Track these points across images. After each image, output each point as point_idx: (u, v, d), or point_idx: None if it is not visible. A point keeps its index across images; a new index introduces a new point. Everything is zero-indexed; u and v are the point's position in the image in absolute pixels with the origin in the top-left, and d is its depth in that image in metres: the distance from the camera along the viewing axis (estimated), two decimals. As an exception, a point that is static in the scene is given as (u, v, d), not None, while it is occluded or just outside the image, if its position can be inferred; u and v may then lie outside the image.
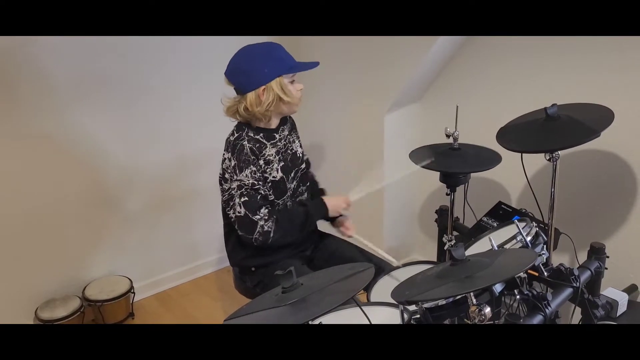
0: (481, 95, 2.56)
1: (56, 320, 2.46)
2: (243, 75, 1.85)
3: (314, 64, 1.92)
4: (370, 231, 2.99)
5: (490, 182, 2.60)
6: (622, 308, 1.89)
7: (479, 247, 1.90)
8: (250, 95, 1.84)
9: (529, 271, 1.68)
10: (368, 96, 2.79)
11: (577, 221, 2.28)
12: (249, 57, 1.86)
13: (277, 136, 1.98)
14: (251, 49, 1.88)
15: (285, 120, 2.06)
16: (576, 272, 1.66)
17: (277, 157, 1.96)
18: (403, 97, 2.72)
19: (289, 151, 2.04)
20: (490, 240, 1.62)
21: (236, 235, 1.99)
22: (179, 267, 3.11)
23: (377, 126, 2.76)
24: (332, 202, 2.04)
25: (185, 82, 2.85)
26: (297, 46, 2.87)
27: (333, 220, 2.18)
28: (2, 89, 2.32)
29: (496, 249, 1.62)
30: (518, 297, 1.57)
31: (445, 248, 2.22)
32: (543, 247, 1.72)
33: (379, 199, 2.90)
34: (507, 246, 1.71)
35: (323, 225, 2.18)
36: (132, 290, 2.73)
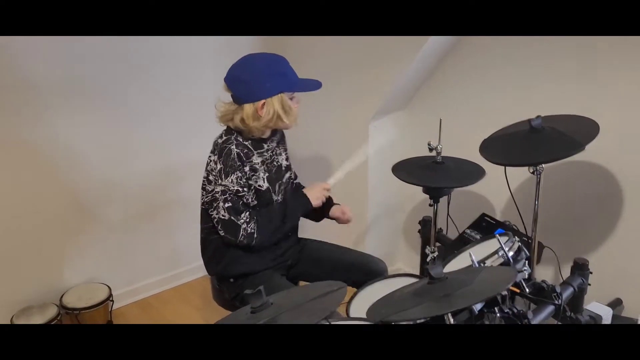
0: (466, 105, 2.53)
1: (32, 329, 2.40)
2: (244, 85, 1.81)
3: (317, 85, 1.88)
4: (354, 238, 2.96)
5: (474, 194, 2.57)
6: (606, 323, 1.87)
7: (461, 261, 1.86)
8: (248, 108, 1.80)
9: (511, 287, 1.65)
10: (352, 103, 2.76)
11: (562, 234, 2.26)
12: (252, 68, 1.82)
13: (265, 146, 1.94)
14: (255, 59, 1.84)
15: (276, 131, 2.03)
16: (558, 290, 1.64)
17: (263, 167, 1.92)
18: (388, 105, 2.69)
19: (275, 163, 2.00)
20: (471, 255, 1.58)
21: (214, 242, 1.97)
22: (160, 274, 3.06)
23: (361, 133, 2.73)
24: (312, 191, 2.01)
25: (170, 91, 2.80)
26: (284, 52, 2.84)
27: (327, 213, 2.15)
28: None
29: (477, 265, 1.59)
30: (498, 315, 1.54)
31: (428, 260, 2.20)
32: (525, 262, 1.68)
33: (363, 206, 2.87)
34: (488, 261, 1.68)
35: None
36: (110, 298, 2.68)
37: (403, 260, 3.10)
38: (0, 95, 2.32)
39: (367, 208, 2.86)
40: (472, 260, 1.58)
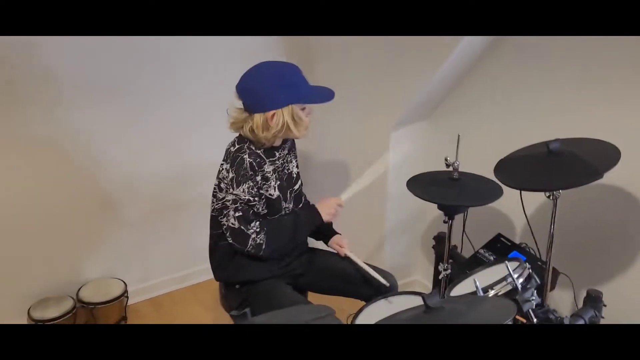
0: (490, 120, 2.45)
1: (47, 321, 2.45)
2: (254, 95, 1.78)
3: (329, 95, 1.84)
4: (371, 249, 2.92)
5: (491, 212, 2.48)
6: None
7: (470, 283, 1.80)
8: (258, 117, 1.77)
9: (517, 317, 1.59)
10: (374, 112, 2.71)
11: (579, 260, 2.16)
12: (263, 78, 1.79)
13: (277, 154, 1.93)
14: (266, 69, 1.81)
15: (287, 139, 2.00)
16: (566, 322, 1.57)
17: (274, 176, 1.90)
18: (411, 114, 2.63)
19: (286, 171, 1.98)
20: (475, 282, 1.53)
21: (222, 249, 1.97)
22: (174, 273, 3.08)
23: (382, 143, 2.67)
24: (323, 206, 1.97)
25: (192, 88, 2.79)
26: (305, 55, 2.81)
27: (327, 240, 2.15)
28: (2, 90, 2.31)
29: (481, 292, 1.54)
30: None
31: (440, 277, 2.14)
32: (534, 291, 1.62)
33: (381, 217, 2.83)
34: (497, 287, 1.63)
35: (313, 241, 2.14)
36: (125, 294, 2.71)
37: (420, 272, 3.04)
38: (23, 92, 2.36)
39: (385, 219, 2.82)
40: (477, 288, 1.54)
